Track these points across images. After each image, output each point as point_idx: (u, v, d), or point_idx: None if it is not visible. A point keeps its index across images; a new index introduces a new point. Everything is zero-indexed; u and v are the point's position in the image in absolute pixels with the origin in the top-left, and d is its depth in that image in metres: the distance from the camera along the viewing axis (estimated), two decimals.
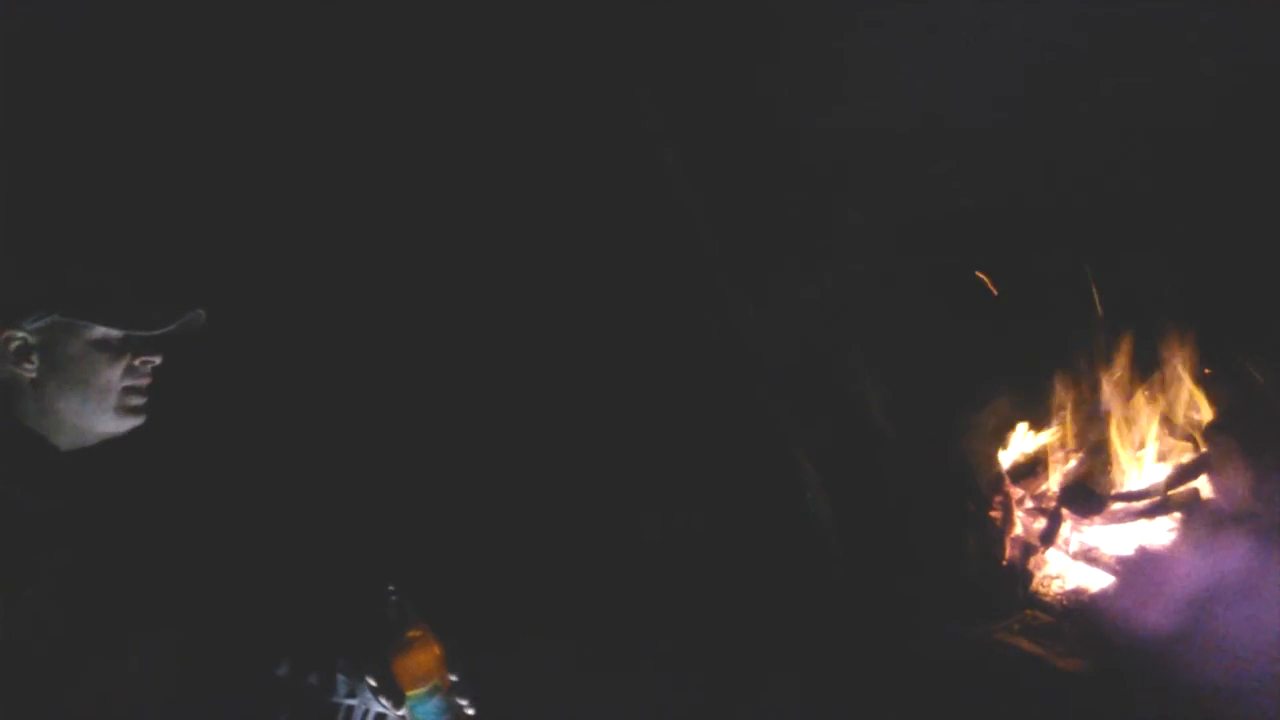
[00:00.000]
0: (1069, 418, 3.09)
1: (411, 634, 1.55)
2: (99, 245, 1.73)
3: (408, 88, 2.94)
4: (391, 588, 1.56)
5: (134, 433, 1.67)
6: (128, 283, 1.67)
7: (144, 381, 1.65)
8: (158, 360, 1.66)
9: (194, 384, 2.09)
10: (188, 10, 2.66)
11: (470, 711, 1.61)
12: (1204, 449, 2.89)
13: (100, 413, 1.61)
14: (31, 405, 1.58)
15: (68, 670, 1.44)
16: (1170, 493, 2.88)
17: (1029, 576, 2.94)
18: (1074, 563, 2.93)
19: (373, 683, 1.56)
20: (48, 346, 1.58)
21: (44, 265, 1.64)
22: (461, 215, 3.04)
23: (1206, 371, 2.94)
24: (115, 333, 1.62)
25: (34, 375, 1.57)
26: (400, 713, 1.55)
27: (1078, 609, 2.82)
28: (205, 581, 1.77)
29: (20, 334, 1.57)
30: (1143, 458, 2.99)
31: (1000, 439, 3.16)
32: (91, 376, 1.60)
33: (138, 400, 1.64)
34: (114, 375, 1.61)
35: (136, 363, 1.63)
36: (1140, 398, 2.99)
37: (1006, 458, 3.16)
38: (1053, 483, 3.07)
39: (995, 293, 3.17)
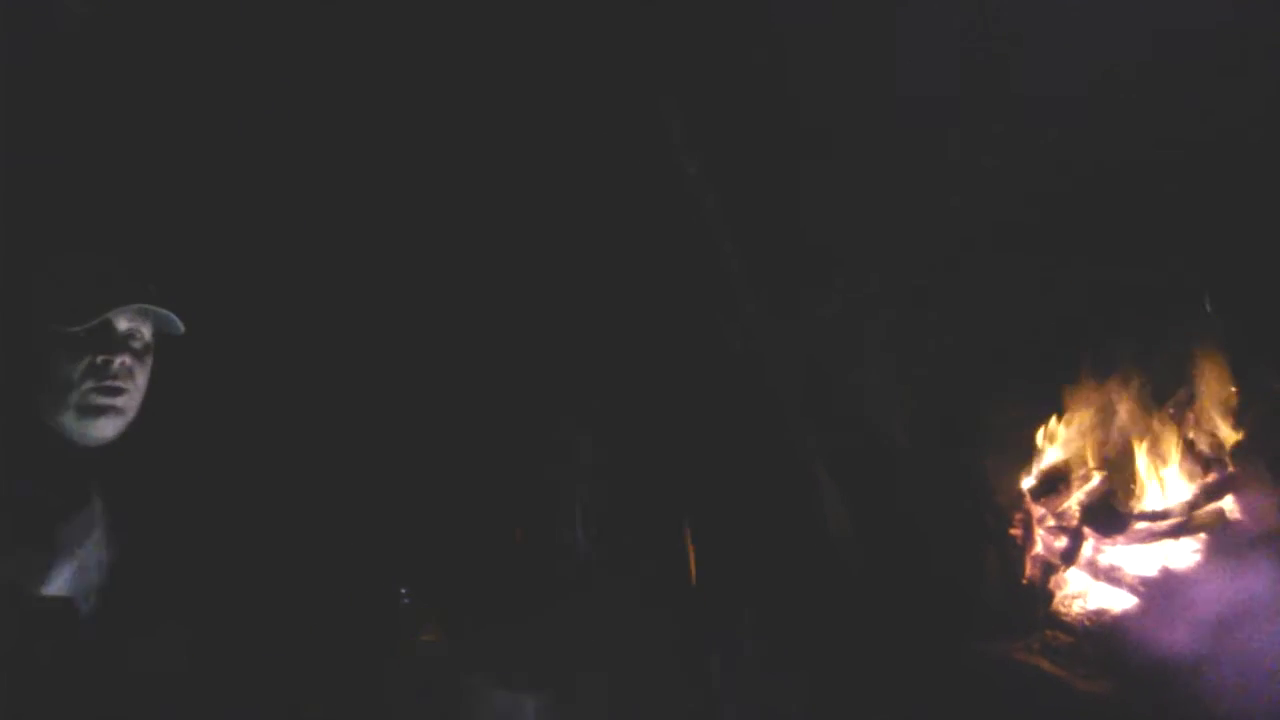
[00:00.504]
0: (1092, 434, 3.06)
1: (424, 637, 1.55)
2: (95, 240, 1.73)
3: (428, 92, 2.95)
4: (404, 590, 1.56)
5: (150, 431, 1.66)
6: (100, 277, 1.64)
7: (109, 382, 1.61)
8: (120, 360, 1.62)
9: (209, 383, 2.10)
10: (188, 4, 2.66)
11: None
12: (1230, 468, 2.85)
13: (63, 410, 1.58)
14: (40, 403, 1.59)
15: (79, 666, 1.44)
16: (1195, 512, 2.84)
17: (1049, 596, 2.91)
18: (1096, 583, 2.89)
19: None
20: (31, 342, 1.59)
21: (40, 260, 1.65)
22: (483, 223, 3.05)
23: (1233, 389, 2.91)
24: (73, 329, 1.59)
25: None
26: None
27: (1099, 630, 2.78)
28: (218, 582, 1.77)
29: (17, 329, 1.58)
30: (1166, 476, 2.95)
31: (1021, 455, 3.13)
32: (53, 373, 1.58)
33: (101, 399, 1.60)
34: (74, 372, 1.59)
35: (99, 360, 1.60)
36: (1165, 415, 2.96)
37: (1027, 475, 3.13)
38: (1074, 501, 3.03)
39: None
